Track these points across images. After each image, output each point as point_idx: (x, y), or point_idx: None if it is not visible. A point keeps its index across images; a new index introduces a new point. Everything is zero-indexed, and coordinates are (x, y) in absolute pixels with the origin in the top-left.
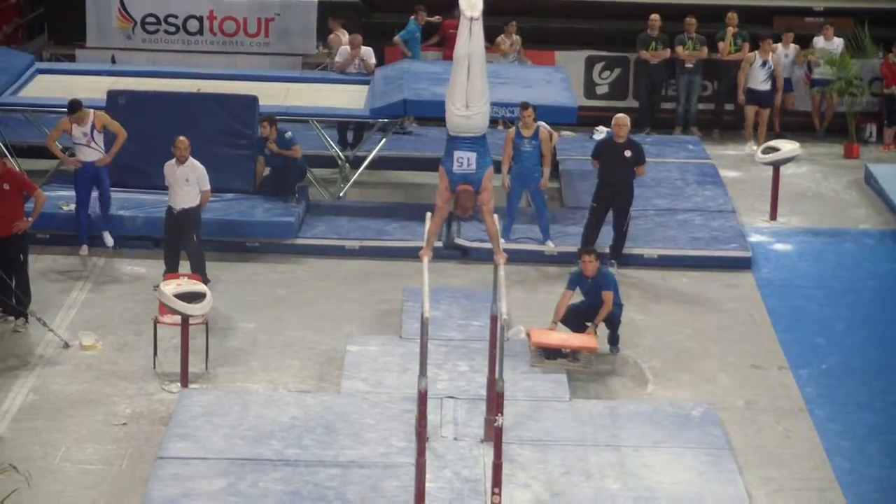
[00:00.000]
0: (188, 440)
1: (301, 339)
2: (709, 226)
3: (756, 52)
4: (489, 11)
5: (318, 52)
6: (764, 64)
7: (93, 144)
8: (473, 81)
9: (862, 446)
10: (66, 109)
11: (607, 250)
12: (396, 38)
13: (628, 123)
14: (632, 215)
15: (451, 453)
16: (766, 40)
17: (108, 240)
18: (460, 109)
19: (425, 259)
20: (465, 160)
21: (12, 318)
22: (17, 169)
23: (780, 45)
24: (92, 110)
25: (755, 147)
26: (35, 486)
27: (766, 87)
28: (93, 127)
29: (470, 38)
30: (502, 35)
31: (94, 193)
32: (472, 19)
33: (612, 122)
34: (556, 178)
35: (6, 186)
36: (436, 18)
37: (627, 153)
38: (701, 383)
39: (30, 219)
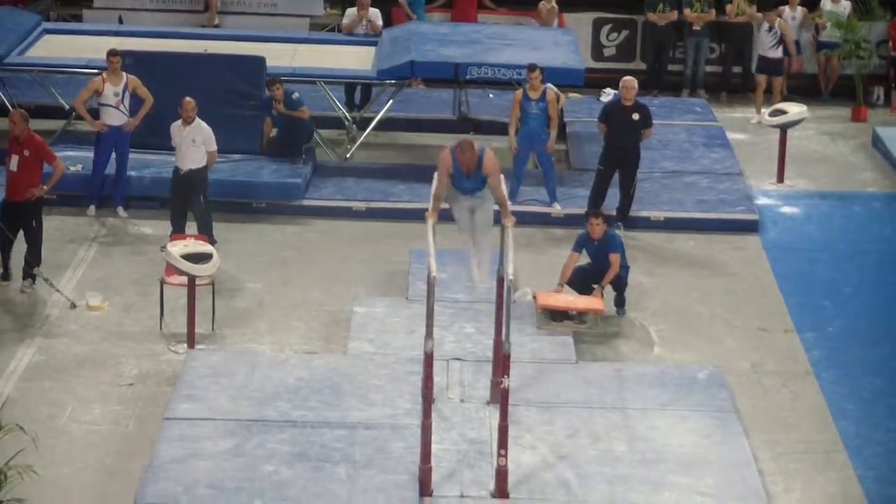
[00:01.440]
0: (195, 401)
1: (307, 300)
2: (716, 188)
3: (762, 14)
4: None
5: (325, 12)
6: (770, 29)
7: (121, 107)
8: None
9: (868, 409)
10: (74, 70)
11: (614, 213)
12: (401, 0)
13: (636, 86)
14: (639, 178)
15: (458, 415)
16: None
17: (122, 213)
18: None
19: (430, 221)
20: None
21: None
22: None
23: (786, 8)
24: (124, 72)
25: (763, 121)
26: (42, 446)
27: (776, 53)
28: (125, 88)
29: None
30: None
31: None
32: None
33: (620, 84)
34: (564, 140)
35: (26, 153)
36: None
37: (635, 116)
38: (707, 346)
39: (45, 186)
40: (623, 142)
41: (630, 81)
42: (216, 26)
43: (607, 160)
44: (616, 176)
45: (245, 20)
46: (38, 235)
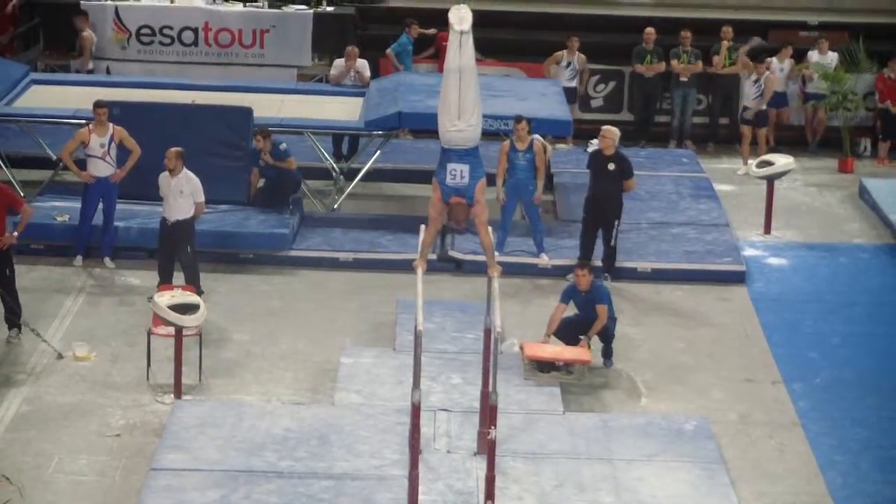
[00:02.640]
0: (181, 451)
1: (295, 350)
2: (703, 239)
3: (753, 63)
4: (483, 24)
5: (312, 63)
6: (756, 80)
7: (108, 158)
8: (465, 95)
9: (855, 461)
10: (61, 120)
11: (600, 263)
12: (388, 52)
13: (615, 136)
14: (620, 228)
15: (444, 466)
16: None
17: (109, 263)
18: (453, 123)
19: (419, 270)
20: (457, 172)
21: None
22: (9, 179)
23: (775, 59)
24: (111, 123)
25: (750, 172)
26: (28, 496)
27: (762, 105)
28: (111, 139)
29: (460, 51)
30: (564, 51)
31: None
32: (461, 33)
33: (599, 133)
34: (551, 191)
35: None
36: (430, 31)
37: (611, 166)
38: (694, 397)
39: (15, 233)
40: (599, 190)
41: (607, 131)
42: (90, 71)
43: (588, 209)
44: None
45: (232, 71)
46: (11, 283)
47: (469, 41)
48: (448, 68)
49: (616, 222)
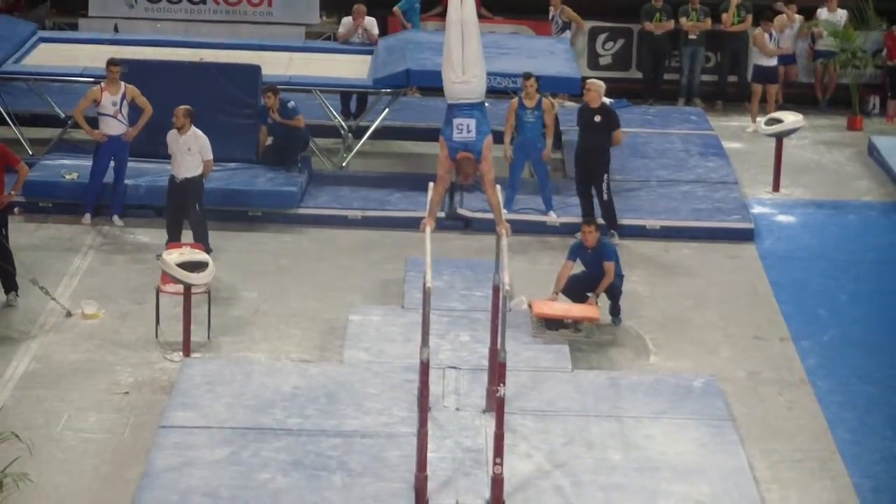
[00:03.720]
0: (190, 409)
1: (303, 308)
2: (711, 197)
3: (759, 29)
4: None
5: (320, 21)
6: (770, 37)
7: (119, 116)
8: (468, 47)
9: (863, 417)
10: (69, 78)
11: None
12: (395, 9)
13: (600, 90)
14: (618, 183)
15: (453, 423)
16: (766, 21)
17: (118, 221)
18: (457, 76)
19: (427, 229)
20: (464, 127)
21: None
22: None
23: (784, 17)
24: (122, 82)
25: (759, 130)
26: (37, 454)
27: (772, 62)
28: (123, 97)
29: (462, 2)
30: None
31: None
32: None
33: (584, 87)
34: (560, 149)
35: None
36: None
37: (597, 118)
38: (703, 354)
39: (12, 192)
40: (588, 143)
41: (592, 84)
42: None
43: (577, 163)
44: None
45: (240, 28)
46: (5, 245)
47: None
48: (450, 20)
49: (605, 175)
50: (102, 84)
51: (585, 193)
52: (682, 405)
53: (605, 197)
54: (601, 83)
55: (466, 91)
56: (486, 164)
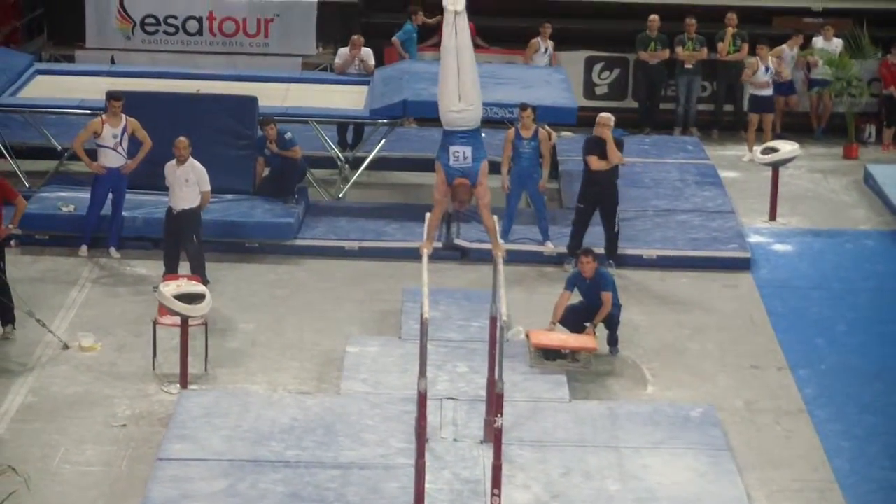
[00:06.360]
0: (187, 441)
1: (300, 340)
2: (708, 226)
3: (757, 58)
4: (487, 12)
5: (317, 52)
6: (767, 70)
7: (119, 149)
8: (464, 76)
9: (862, 447)
10: (66, 110)
11: (603, 251)
12: (394, 40)
13: (610, 123)
14: (621, 214)
15: (451, 454)
16: (762, 46)
17: (115, 254)
18: (454, 105)
19: (425, 252)
20: (460, 154)
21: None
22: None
23: (785, 46)
24: (124, 115)
25: (755, 159)
26: (34, 487)
27: (769, 92)
28: (124, 130)
29: (455, 32)
30: (538, 38)
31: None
32: (455, 13)
33: (596, 120)
34: (556, 178)
35: None
36: (434, 20)
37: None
38: (700, 384)
39: (10, 225)
40: (599, 177)
41: (602, 118)
42: None
43: (585, 197)
44: (597, 215)
45: (237, 60)
46: (3, 278)
47: (464, 21)
48: (445, 49)
49: (616, 208)
50: (103, 116)
51: (584, 226)
52: (680, 435)
53: (616, 229)
54: (610, 116)
55: (463, 120)
56: (482, 188)
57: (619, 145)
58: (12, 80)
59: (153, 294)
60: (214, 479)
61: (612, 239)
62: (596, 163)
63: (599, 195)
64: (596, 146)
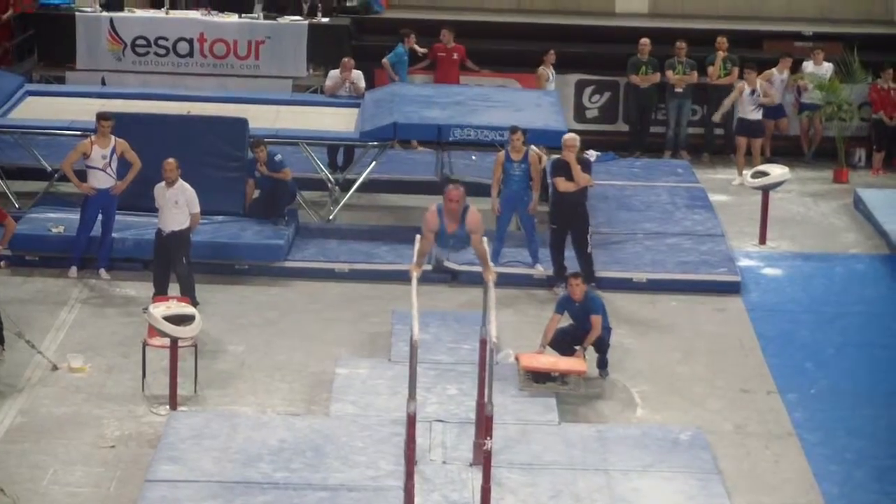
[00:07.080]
0: (176, 463)
1: (290, 361)
2: (698, 250)
3: (744, 82)
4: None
5: (308, 74)
6: (752, 92)
7: (109, 170)
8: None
9: (851, 471)
10: (56, 131)
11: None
12: (384, 62)
13: (575, 145)
14: (611, 237)
15: (440, 477)
16: (750, 71)
17: (104, 275)
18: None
19: (415, 274)
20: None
21: None
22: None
23: (774, 70)
24: (113, 136)
25: (745, 183)
26: None
27: (757, 115)
28: (113, 151)
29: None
30: (542, 66)
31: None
32: None
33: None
34: (546, 201)
35: None
36: (423, 51)
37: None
38: (689, 407)
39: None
40: (566, 198)
41: (568, 139)
42: None
43: (556, 218)
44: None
45: (228, 81)
46: None
47: None
48: None
49: (588, 228)
50: (92, 137)
51: (561, 247)
52: (669, 458)
53: (589, 251)
54: (575, 137)
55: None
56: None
57: (587, 167)
58: (3, 101)
59: (143, 315)
60: (203, 500)
61: (586, 261)
62: (563, 184)
63: (569, 216)
64: (562, 168)
